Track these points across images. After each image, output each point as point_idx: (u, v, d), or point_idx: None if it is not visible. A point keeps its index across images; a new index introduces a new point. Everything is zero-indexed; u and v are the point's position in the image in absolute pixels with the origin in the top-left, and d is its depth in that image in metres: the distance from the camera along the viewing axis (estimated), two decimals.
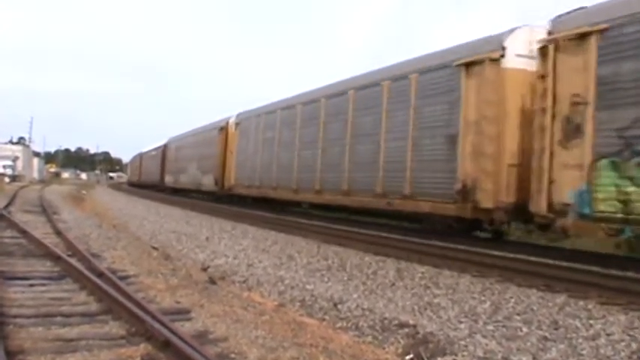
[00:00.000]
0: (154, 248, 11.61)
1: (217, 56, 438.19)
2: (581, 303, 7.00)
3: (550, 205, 9.90)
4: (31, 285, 7.12)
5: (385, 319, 6.30)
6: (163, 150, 43.60)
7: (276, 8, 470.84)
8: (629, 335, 5.63)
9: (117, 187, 65.60)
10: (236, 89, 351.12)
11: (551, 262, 9.33)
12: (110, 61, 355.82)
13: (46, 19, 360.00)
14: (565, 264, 9.14)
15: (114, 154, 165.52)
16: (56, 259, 8.74)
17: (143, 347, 4.81)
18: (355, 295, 7.49)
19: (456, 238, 12.24)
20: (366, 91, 16.18)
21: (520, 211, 10.93)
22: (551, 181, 9.94)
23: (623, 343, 5.42)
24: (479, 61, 11.98)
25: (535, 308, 6.77)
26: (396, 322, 6.17)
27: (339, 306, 6.95)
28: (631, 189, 8.64)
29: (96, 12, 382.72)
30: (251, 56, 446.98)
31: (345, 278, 8.76)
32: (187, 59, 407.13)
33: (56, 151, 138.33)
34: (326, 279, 8.70)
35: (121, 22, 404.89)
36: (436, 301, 7.20)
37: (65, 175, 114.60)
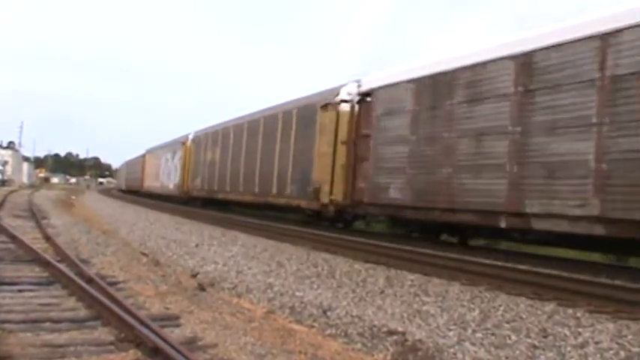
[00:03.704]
0: (144, 254, 11.58)
1: (209, 63, 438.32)
2: (570, 311, 7.04)
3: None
4: (20, 290, 7.08)
5: (374, 326, 6.31)
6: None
7: (273, 12, 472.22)
8: (617, 343, 5.67)
9: (107, 192, 65.33)
10: (230, 94, 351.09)
11: (540, 270, 9.36)
12: (101, 67, 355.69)
13: (37, 24, 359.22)
14: (554, 272, 9.18)
15: (104, 160, 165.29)
16: (45, 264, 8.70)
17: (132, 353, 4.81)
18: (345, 303, 7.50)
19: (445, 247, 12.42)
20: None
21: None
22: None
23: (611, 352, 5.45)
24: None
25: (524, 316, 6.79)
26: (385, 329, 6.18)
27: (329, 313, 6.96)
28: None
29: (87, 17, 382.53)
30: (245, 61, 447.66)
31: (335, 285, 8.77)
32: (179, 65, 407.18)
33: (46, 156, 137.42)
34: (315, 286, 8.70)
35: (112, 28, 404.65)
36: (425, 308, 7.22)
37: (55, 180, 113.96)
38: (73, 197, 43.35)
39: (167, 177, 36.52)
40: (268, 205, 21.15)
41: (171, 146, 36.78)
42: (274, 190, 19.85)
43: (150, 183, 42.98)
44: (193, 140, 31.60)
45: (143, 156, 47.77)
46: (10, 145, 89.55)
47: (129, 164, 59.95)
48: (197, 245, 13.51)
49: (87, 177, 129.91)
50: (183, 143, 32.75)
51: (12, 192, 39.92)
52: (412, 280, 9.13)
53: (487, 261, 10.31)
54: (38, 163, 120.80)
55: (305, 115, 18.18)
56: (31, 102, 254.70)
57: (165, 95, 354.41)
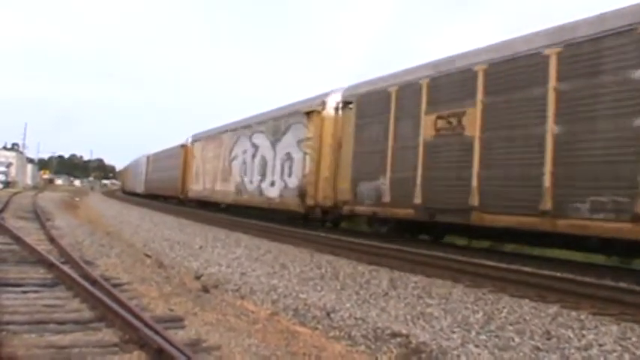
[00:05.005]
0: (148, 256, 11.58)
1: (213, 66, 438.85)
2: (574, 313, 7.03)
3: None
4: (24, 292, 7.09)
5: (378, 328, 6.30)
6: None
7: (275, 16, 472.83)
8: (621, 346, 5.66)
9: (111, 194, 65.41)
10: (230, 99, 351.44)
11: (544, 272, 9.36)
12: (105, 69, 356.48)
13: (41, 27, 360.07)
14: (558, 274, 9.18)
15: (108, 162, 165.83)
16: (49, 265, 8.72)
17: (136, 355, 4.81)
18: (348, 305, 7.50)
19: (448, 249, 12.42)
20: None
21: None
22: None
23: (615, 354, 5.44)
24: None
25: (528, 318, 6.79)
26: (389, 331, 6.18)
27: (332, 315, 6.95)
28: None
29: (91, 20, 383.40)
30: (246, 63, 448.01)
31: (338, 287, 8.77)
32: (182, 68, 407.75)
33: (50, 158, 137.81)
34: (319, 288, 8.70)
35: (116, 31, 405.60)
36: (429, 310, 7.21)
37: (59, 181, 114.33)
38: (77, 199, 43.42)
39: (259, 177, 22.37)
40: None
41: (267, 123, 22.06)
42: None
43: (205, 186, 28.78)
44: (348, 105, 16.82)
45: (183, 146, 33.92)
46: (14, 147, 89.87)
47: (151, 160, 44.83)
48: (201, 247, 13.52)
49: (91, 179, 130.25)
50: (312, 114, 18.17)
51: (16, 193, 39.99)
52: (416, 282, 9.13)
53: (491, 263, 10.32)
54: (42, 164, 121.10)
55: None
56: (35, 104, 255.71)
57: (168, 97, 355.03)
